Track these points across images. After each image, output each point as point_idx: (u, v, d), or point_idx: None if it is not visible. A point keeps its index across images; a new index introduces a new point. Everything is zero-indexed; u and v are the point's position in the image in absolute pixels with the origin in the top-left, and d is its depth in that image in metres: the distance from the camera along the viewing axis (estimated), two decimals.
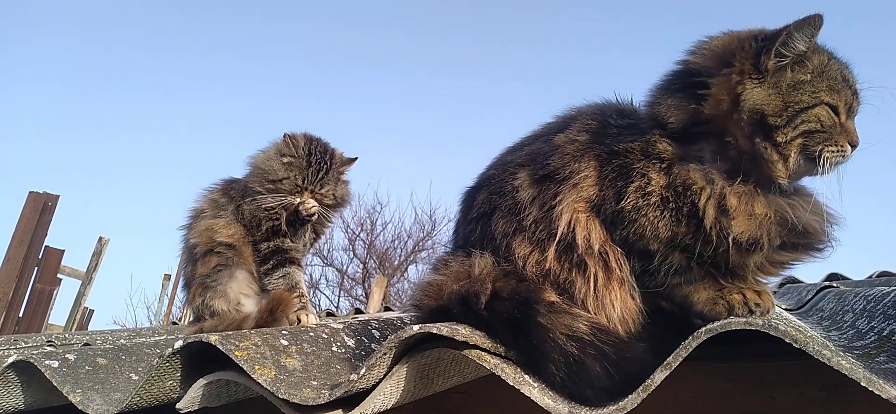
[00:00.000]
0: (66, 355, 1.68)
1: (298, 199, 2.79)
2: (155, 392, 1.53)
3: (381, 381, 1.34)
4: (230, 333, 1.57)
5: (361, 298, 14.92)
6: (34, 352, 1.70)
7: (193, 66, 26.61)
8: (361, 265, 16.56)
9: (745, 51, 1.34)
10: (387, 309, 4.75)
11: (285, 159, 2.83)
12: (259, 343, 1.49)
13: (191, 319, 2.96)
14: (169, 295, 10.92)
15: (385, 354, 1.30)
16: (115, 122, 26.59)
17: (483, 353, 1.27)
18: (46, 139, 27.12)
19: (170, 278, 10.92)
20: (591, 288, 1.32)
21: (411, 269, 16.91)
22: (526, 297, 1.27)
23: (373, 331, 1.92)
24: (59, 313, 9.35)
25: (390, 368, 1.34)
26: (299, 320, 2.57)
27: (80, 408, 1.54)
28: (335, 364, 1.61)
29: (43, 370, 1.60)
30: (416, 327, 1.27)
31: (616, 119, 1.44)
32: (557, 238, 1.34)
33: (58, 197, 8.35)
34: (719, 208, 1.29)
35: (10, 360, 1.63)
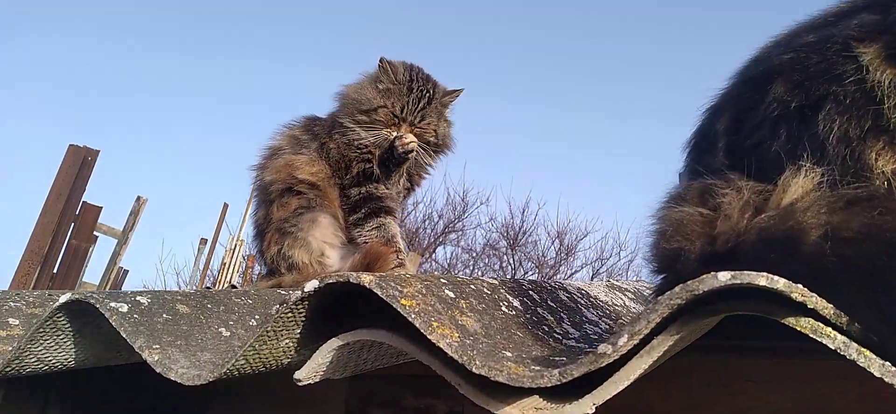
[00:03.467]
0: (138, 298, 1.23)
1: (395, 134, 2.34)
2: (265, 353, 1.07)
3: (631, 356, 0.87)
4: (386, 274, 1.10)
5: None
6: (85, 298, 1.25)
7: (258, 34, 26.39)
8: None
9: None
10: None
11: (382, 86, 2.38)
12: (423, 291, 1.01)
13: (263, 273, 2.53)
14: (205, 258, 10.63)
15: (657, 317, 0.82)
16: (167, 83, 26.42)
17: (820, 324, 0.78)
18: (89, 95, 27.02)
19: (206, 243, 10.62)
20: None
21: (439, 250, 16.53)
22: None
23: (528, 291, 1.44)
24: (93, 272, 9.06)
25: (648, 340, 0.86)
26: None
27: (157, 369, 1.09)
28: (513, 329, 1.13)
29: (107, 315, 1.15)
30: (724, 276, 0.77)
31: None
32: None
33: (98, 152, 8.02)
34: None
35: (63, 299, 1.19)
